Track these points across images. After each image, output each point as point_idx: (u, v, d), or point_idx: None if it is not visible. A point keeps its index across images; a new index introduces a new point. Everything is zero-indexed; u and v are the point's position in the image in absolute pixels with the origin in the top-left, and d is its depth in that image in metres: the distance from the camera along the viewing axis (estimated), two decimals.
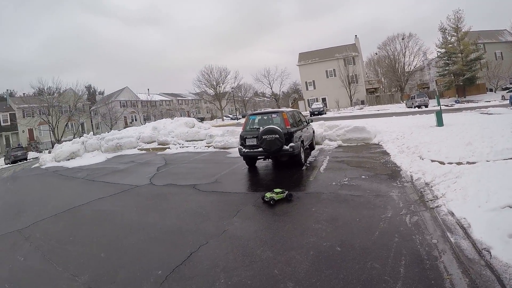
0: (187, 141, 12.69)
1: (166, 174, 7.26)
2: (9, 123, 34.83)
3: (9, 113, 35.00)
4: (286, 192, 4.18)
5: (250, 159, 6.42)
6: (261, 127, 5.83)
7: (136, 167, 9.00)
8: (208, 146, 10.59)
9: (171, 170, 7.60)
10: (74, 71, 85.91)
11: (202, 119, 37.52)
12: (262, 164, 6.90)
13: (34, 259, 3.74)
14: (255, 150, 5.89)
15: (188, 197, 4.94)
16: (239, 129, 7.74)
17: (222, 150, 9.67)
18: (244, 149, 6.09)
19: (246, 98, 56.12)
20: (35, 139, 35.83)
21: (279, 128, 5.55)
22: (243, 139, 6.15)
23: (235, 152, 8.12)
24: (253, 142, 5.89)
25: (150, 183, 6.41)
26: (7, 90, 43.68)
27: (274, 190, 4.21)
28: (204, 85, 44.94)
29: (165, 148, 11.83)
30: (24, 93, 37.56)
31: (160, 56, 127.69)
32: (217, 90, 44.47)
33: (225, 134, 10.58)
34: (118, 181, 7.24)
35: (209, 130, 13.00)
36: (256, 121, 6.48)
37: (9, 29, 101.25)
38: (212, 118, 51.45)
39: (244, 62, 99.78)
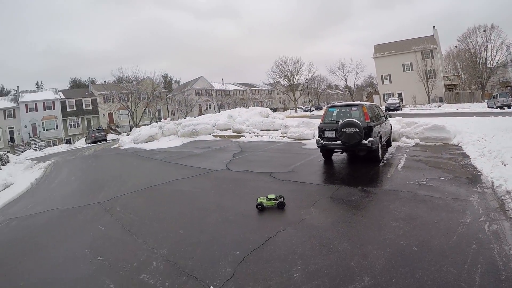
0: (261, 130, 19.08)
1: (242, 161, 10.86)
2: (90, 108, 59.38)
3: (91, 99, 60.00)
4: (279, 200, 5.96)
5: (327, 152, 9.70)
6: (340, 120, 8.88)
7: (212, 153, 13.70)
8: (283, 136, 15.71)
9: (247, 157, 11.29)
10: (151, 62, 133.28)
11: (275, 110, 57.06)
12: (338, 157, 9.99)
13: (114, 230, 5.83)
14: (333, 142, 9.00)
15: (265, 184, 7.44)
16: (314, 121, 12.49)
17: (296, 141, 14.13)
18: (322, 141, 9.25)
19: (320, 90, 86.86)
20: (114, 122, 59.51)
21: (358, 122, 8.32)
22: (321, 131, 9.36)
23: (310, 144, 12.31)
24: (332, 134, 9.00)
25: (226, 168, 9.80)
26: (89, 78, 72.83)
27: (268, 196, 6.08)
28: (278, 76, 67.64)
29: (240, 136, 18.02)
30: (104, 81, 66.63)
31: (233, 46, 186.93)
32: (291, 81, 66.14)
33: (300, 125, 15.61)
34: (195, 164, 11.14)
35: (283, 121, 19.08)
36: (335, 113, 9.85)
37: (90, 23, 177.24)
38: (284, 109, 78.30)
39: (317, 54, 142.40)
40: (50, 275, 4.57)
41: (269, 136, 16.71)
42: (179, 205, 6.82)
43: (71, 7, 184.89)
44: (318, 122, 13.29)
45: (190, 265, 4.00)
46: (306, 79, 68.92)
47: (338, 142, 8.79)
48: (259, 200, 6.02)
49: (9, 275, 4.82)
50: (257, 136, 17.48)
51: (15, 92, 63.45)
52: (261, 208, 5.90)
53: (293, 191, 6.72)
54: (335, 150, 9.48)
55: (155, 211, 6.62)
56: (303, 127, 15.66)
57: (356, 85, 77.70)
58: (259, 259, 3.92)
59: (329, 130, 9.15)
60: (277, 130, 18.31)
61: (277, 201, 5.94)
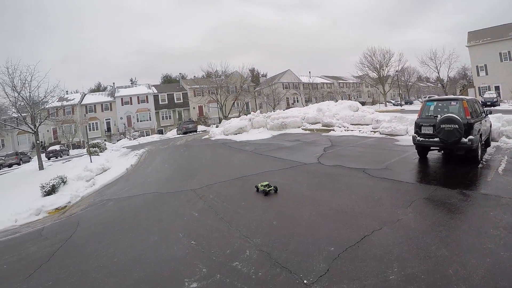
0: (352, 124, 19.02)
1: (334, 155, 10.97)
2: (181, 101, 63.97)
3: (182, 93, 64.63)
4: (269, 188, 7.16)
5: (423, 149, 9.43)
6: (438, 115, 8.61)
7: (302, 146, 13.89)
8: (374, 132, 15.48)
9: (338, 152, 11.42)
10: (236, 56, 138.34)
11: (363, 103, 51.30)
12: (433, 155, 9.75)
13: (208, 216, 6.05)
14: (430, 139, 8.73)
15: (358, 180, 7.44)
16: (407, 116, 13.28)
17: (388, 136, 13.90)
18: (418, 138, 9.02)
19: (410, 83, 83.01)
20: (204, 114, 62.57)
21: (458, 118, 8.03)
22: (418, 126, 9.13)
23: (403, 140, 12.36)
24: (429, 130, 8.74)
25: (318, 162, 9.89)
26: (180, 73, 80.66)
27: (262, 183, 7.36)
28: (366, 68, 65.64)
29: (329, 130, 18.00)
30: (194, 76, 71.47)
31: (318, 38, 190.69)
32: (380, 74, 63.84)
33: (393, 120, 15.48)
34: (285, 157, 11.39)
35: (374, 115, 18.76)
36: (432, 108, 9.53)
37: (176, 22, 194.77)
38: (373, 103, 76.53)
39: (406, 43, 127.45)
40: (143, 254, 4.85)
41: (359, 130, 16.51)
42: (272, 196, 6.93)
43: (159, 8, 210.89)
44: (411, 117, 13.69)
45: (284, 257, 4.05)
46: (396, 71, 66.38)
47: (436, 139, 8.47)
48: (261, 188, 7.22)
49: (105, 251, 5.24)
50: (347, 130, 17.35)
51: (111, 87, 72.39)
52: (256, 190, 7.29)
53: (389, 189, 6.62)
54: (431, 147, 9.15)
55: (248, 201, 6.76)
56: (396, 122, 15.17)
57: (449, 77, 71.19)
58: (355, 257, 3.88)
59: (427, 126, 8.86)
60: (367, 124, 17.98)
61: (269, 188, 7.15)
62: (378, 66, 63.44)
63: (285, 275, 3.62)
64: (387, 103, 65.08)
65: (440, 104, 9.50)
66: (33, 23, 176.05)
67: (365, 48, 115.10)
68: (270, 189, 7.18)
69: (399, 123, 14.82)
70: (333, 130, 17.77)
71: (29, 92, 20.08)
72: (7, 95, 19.88)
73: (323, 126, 19.75)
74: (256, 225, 5.31)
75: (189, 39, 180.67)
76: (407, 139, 11.75)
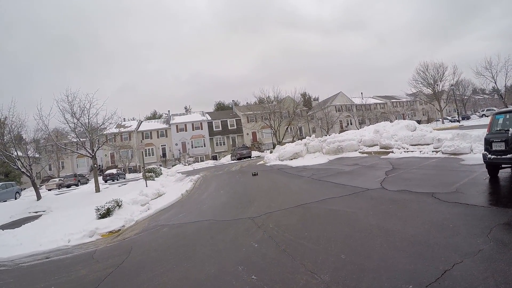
0: (411, 145, 18.15)
1: (397, 179, 10.35)
2: (235, 127, 66.87)
3: (235, 119, 67.54)
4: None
5: (494, 168, 8.76)
6: (510, 129, 8.00)
7: (361, 170, 13.27)
8: (436, 151, 14.97)
9: (401, 175, 10.82)
10: (287, 82, 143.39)
11: (418, 122, 52.84)
12: (504, 174, 8.97)
13: (268, 247, 5.61)
14: (502, 156, 8.04)
15: (428, 206, 6.86)
16: (470, 132, 13.13)
17: (452, 156, 13.32)
18: (489, 155, 8.37)
19: (465, 97, 78.84)
20: (257, 140, 65.02)
21: None
22: (488, 143, 8.50)
23: (469, 159, 11.69)
24: (501, 146, 8.09)
25: (381, 187, 9.32)
26: (232, 100, 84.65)
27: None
28: (420, 84, 64.63)
29: (388, 152, 17.34)
30: (247, 102, 74.74)
31: (366, 58, 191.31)
32: (435, 89, 62.52)
33: (455, 138, 14.55)
34: (345, 182, 10.88)
35: (435, 134, 18.20)
36: (502, 121, 8.74)
37: (226, 52, 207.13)
38: (428, 121, 75.16)
39: (456, 55, 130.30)
40: (198, 286, 4.55)
41: (420, 151, 15.72)
42: (336, 226, 6.46)
43: (208, 41, 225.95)
44: (474, 133, 13.47)
45: None
46: (451, 85, 62.96)
47: (509, 155, 7.80)
48: None
49: (158, 281, 4.99)
50: (407, 151, 16.58)
51: (166, 115, 76.99)
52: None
53: (463, 215, 6.06)
54: (502, 165, 8.53)
55: (310, 231, 6.27)
56: (458, 139, 14.19)
57: (505, 86, 65.94)
58: None
59: (498, 141, 8.24)
60: (428, 144, 17.06)
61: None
62: (432, 81, 62.14)
63: None
64: (443, 120, 62.79)
65: (509, 117, 8.70)
66: (92, 56, 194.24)
67: (414, 64, 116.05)
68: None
69: (462, 141, 13.92)
70: (392, 152, 17.13)
71: (88, 119, 21.33)
72: (67, 121, 21.14)
73: (381, 148, 19.03)
74: (322, 258, 4.81)
75: (239, 67, 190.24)
76: (473, 158, 11.23)
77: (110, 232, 9.90)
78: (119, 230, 10.07)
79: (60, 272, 6.58)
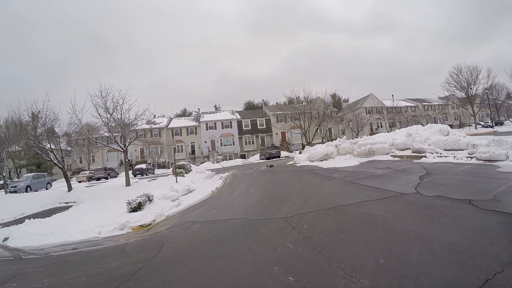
0: (444, 150, 17.99)
1: (432, 184, 10.08)
2: (264, 127, 68.34)
3: (265, 119, 68.99)
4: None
5: None
6: None
7: (394, 174, 13.02)
8: (470, 157, 14.73)
9: (436, 181, 10.54)
10: (315, 83, 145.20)
11: (450, 126, 48.74)
12: None
13: (304, 249, 5.49)
14: None
15: (466, 213, 6.69)
16: (506, 139, 12.98)
17: (487, 162, 13.00)
18: None
19: (499, 102, 77.69)
20: (286, 140, 66.16)
21: None
22: None
23: (505, 166, 11.37)
24: None
25: (416, 192, 9.09)
26: (262, 100, 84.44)
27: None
28: (453, 88, 63.68)
29: (421, 157, 17.01)
30: (276, 102, 75.64)
31: (395, 61, 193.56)
32: (468, 93, 61.28)
33: (490, 144, 14.31)
34: (378, 186, 10.67)
35: (469, 139, 17.79)
36: None
37: (253, 54, 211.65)
38: (460, 126, 75.10)
39: (486, 58, 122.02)
40: (233, 287, 4.45)
41: (454, 157, 15.31)
42: (372, 229, 6.27)
43: (236, 43, 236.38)
44: (510, 139, 13.19)
45: None
46: (485, 89, 61.73)
47: None
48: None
49: (191, 278, 4.95)
50: (440, 156, 16.20)
51: (196, 113, 79.02)
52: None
53: (503, 224, 5.83)
54: None
55: (346, 234, 6.12)
56: (494, 146, 13.86)
57: None
58: None
59: None
60: (462, 150, 16.71)
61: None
62: (465, 85, 61.31)
63: None
64: (476, 125, 61.61)
65: None
66: (123, 55, 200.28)
67: (444, 67, 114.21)
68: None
69: (498, 147, 13.57)
70: (425, 156, 16.78)
71: (121, 114, 21.82)
72: (100, 116, 21.70)
73: (413, 152, 18.70)
74: (360, 263, 4.67)
75: (267, 68, 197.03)
76: (509, 165, 10.93)
77: (141, 226, 10.01)
78: (150, 224, 10.17)
79: (90, 263, 6.66)
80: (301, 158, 24.37)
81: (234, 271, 4.94)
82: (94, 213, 12.94)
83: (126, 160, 23.35)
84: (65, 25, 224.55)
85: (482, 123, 66.03)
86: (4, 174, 29.74)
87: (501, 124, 60.80)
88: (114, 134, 23.02)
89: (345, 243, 5.60)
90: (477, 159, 13.63)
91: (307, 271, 4.60)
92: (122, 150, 22.33)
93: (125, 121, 22.23)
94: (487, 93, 61.15)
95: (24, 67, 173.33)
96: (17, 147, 40.23)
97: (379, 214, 7.24)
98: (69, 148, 38.73)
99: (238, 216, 9.06)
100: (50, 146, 22.82)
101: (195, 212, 10.97)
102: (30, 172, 36.80)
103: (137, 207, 11.28)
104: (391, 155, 19.67)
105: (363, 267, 4.48)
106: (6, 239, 10.30)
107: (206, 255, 5.94)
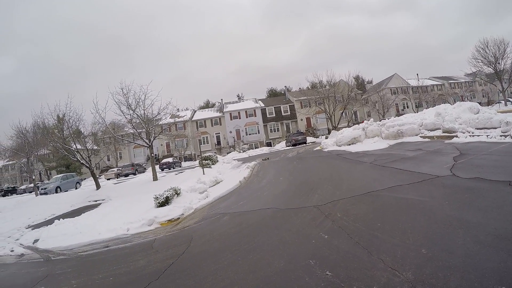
0: (476, 129, 17.40)
1: (467, 165, 9.75)
2: (288, 113, 67.86)
3: (289, 105, 68.49)
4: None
5: None
6: None
7: (426, 156, 12.66)
8: (505, 136, 13.86)
9: (471, 162, 10.20)
10: (336, 67, 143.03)
11: (479, 104, 44.60)
12: None
13: (340, 239, 5.24)
14: None
15: (508, 196, 6.30)
16: None
17: None
18: None
19: None
20: (312, 126, 65.99)
21: None
22: None
23: None
24: None
25: (452, 175, 8.76)
26: (285, 86, 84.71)
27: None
28: (481, 63, 59.64)
29: (452, 137, 16.53)
30: (300, 88, 75.40)
31: (416, 38, 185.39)
32: (496, 68, 57.65)
33: None
34: (411, 168, 10.27)
35: (501, 116, 17.13)
36: None
37: (272, 42, 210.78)
38: (489, 103, 70.93)
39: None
40: (269, 283, 4.24)
41: (487, 135, 14.71)
42: (410, 216, 5.95)
43: (254, 32, 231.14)
44: None
45: None
46: None
47: None
48: None
49: (222, 275, 4.80)
50: (472, 136, 15.65)
51: (219, 104, 79.15)
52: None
53: None
54: None
55: (384, 222, 5.82)
56: None
57: None
58: None
59: None
60: (495, 128, 16.06)
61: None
62: (493, 59, 57.73)
63: None
64: (506, 102, 58.62)
65: None
66: (142, 53, 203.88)
67: (468, 42, 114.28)
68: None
69: None
70: (456, 136, 16.29)
71: (143, 110, 21.96)
72: (123, 113, 22.01)
73: (443, 132, 18.22)
74: (402, 253, 4.38)
75: (286, 56, 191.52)
76: None
77: (169, 220, 9.97)
78: (178, 218, 10.12)
79: (118, 262, 6.61)
80: (328, 143, 24.12)
81: (267, 266, 4.74)
82: (122, 209, 13.04)
83: (152, 155, 23.58)
84: (83, 32, 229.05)
85: (511, 99, 63.51)
86: (34, 177, 30.58)
87: None
88: (138, 130, 23.22)
89: (383, 232, 5.34)
90: None
91: (345, 265, 4.36)
92: (148, 145, 22.51)
93: (149, 116, 22.32)
94: None
95: (45, 77, 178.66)
96: (45, 150, 41.22)
97: (415, 199, 6.94)
98: (95, 147, 39.49)
99: (268, 206, 8.89)
100: (76, 146, 23.23)
101: (223, 204, 10.88)
102: (60, 173, 37.73)
103: (164, 202, 11.26)
104: (420, 136, 19.26)
105: (404, 259, 4.22)
106: (36, 240, 10.44)
107: (237, 249, 5.78)
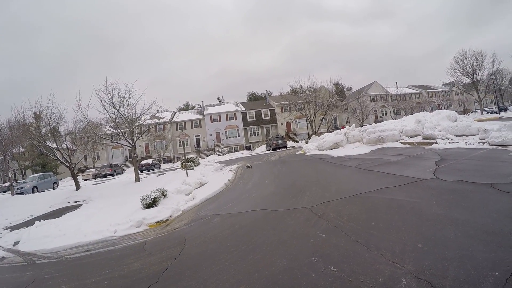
0: (455, 136, 18.28)
1: (449, 169, 10.22)
2: (269, 117, 67.87)
3: (269, 109, 68.45)
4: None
5: None
6: None
7: (409, 160, 13.15)
8: (483, 142, 14.95)
9: (453, 166, 10.72)
10: (316, 73, 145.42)
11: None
12: None
13: (338, 238, 5.37)
14: None
15: (490, 196, 6.80)
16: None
17: (499, 147, 13.26)
18: None
19: (503, 87, 79.63)
20: (292, 130, 67.18)
21: None
22: None
23: None
24: None
25: (435, 177, 9.17)
26: (266, 90, 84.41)
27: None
28: (459, 73, 63.96)
29: (432, 143, 17.26)
30: (280, 92, 74.89)
31: (396, 48, 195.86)
32: (474, 78, 61.41)
33: (502, 129, 14.61)
34: (396, 172, 10.72)
35: (480, 124, 18.25)
36: None
37: (254, 46, 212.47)
38: (464, 112, 75.35)
39: (487, 42, 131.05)
40: (276, 281, 4.29)
41: (465, 142, 15.60)
42: (402, 215, 6.26)
43: (235, 36, 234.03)
44: None
45: (448, 285, 3.63)
46: (491, 74, 62.09)
47: None
48: None
49: (226, 275, 4.81)
50: (452, 142, 16.44)
51: (199, 106, 78.75)
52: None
53: None
54: None
55: (377, 221, 6.07)
56: (506, 130, 14.19)
57: None
58: None
59: None
60: (473, 135, 16.99)
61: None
62: (471, 70, 61.38)
63: None
64: (482, 111, 61.86)
65: None
66: (122, 54, 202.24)
67: (446, 52, 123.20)
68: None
69: (510, 132, 13.88)
70: (436, 142, 17.01)
71: (127, 109, 21.66)
72: (107, 112, 21.60)
73: (423, 138, 18.89)
74: (400, 248, 4.66)
75: (268, 60, 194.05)
76: None
77: (158, 222, 9.89)
78: (167, 220, 10.06)
79: (110, 265, 6.43)
80: (310, 148, 24.54)
81: (270, 265, 4.80)
82: (106, 211, 12.83)
83: (135, 155, 23.28)
84: (68, 27, 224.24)
85: (486, 109, 67.04)
86: (10, 176, 29.70)
87: (506, 109, 60.83)
88: (122, 130, 22.90)
89: (378, 230, 5.56)
90: (489, 144, 13.93)
91: (348, 260, 4.52)
92: (130, 146, 22.21)
93: (132, 116, 22.08)
94: (492, 78, 61.66)
95: (29, 71, 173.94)
96: (21, 148, 40.15)
97: (404, 200, 7.23)
98: (73, 147, 38.68)
99: (258, 207, 8.94)
100: (57, 145, 22.71)
101: (212, 206, 10.86)
102: (36, 173, 36.76)
103: (152, 203, 11.14)
104: (401, 142, 19.81)
105: (403, 253, 4.49)
106: (16, 243, 10.05)
107: (235, 249, 5.80)
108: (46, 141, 22.30)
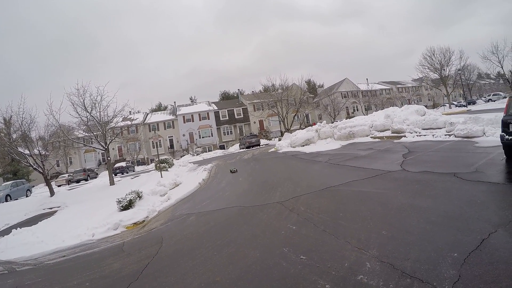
0: (423, 129, 18.82)
1: (415, 161, 10.65)
2: (242, 116, 67.49)
3: (242, 108, 68.26)
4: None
5: (510, 149, 8.95)
6: None
7: (378, 154, 13.60)
8: (449, 135, 15.51)
9: (419, 158, 11.18)
10: (288, 72, 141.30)
11: (425, 107, 50.19)
12: None
13: (307, 229, 5.63)
14: None
15: (453, 185, 7.19)
16: (482, 116, 14.36)
17: (465, 139, 13.74)
18: (507, 136, 8.64)
19: (471, 82, 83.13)
20: (265, 128, 66.77)
21: None
22: (505, 125, 8.81)
23: (482, 142, 12.08)
24: None
25: (402, 169, 9.58)
26: (238, 89, 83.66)
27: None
28: (427, 69, 65.63)
29: (401, 137, 17.87)
30: (252, 91, 76.13)
31: (368, 46, 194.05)
32: (442, 74, 63.27)
33: (468, 122, 15.33)
34: (365, 166, 11.13)
35: (446, 118, 18.95)
36: None
37: (225, 46, 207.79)
38: (434, 106, 77.17)
39: (457, 41, 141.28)
40: (249, 271, 4.51)
41: (433, 135, 16.18)
42: (368, 206, 6.58)
43: (206, 35, 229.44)
44: (486, 116, 14.43)
45: (409, 267, 3.88)
46: (458, 70, 64.93)
47: None
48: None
49: (202, 269, 4.96)
50: (420, 135, 17.06)
51: (172, 106, 77.63)
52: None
53: (488, 192, 6.42)
54: None
55: (345, 212, 6.38)
56: (471, 123, 14.87)
57: (510, 71, 68.08)
58: (481, 261, 3.80)
59: None
60: (440, 128, 17.59)
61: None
62: (439, 66, 63.24)
63: (418, 284, 3.50)
64: (450, 105, 63.87)
65: None
66: (90, 56, 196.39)
67: (416, 50, 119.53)
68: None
69: (475, 124, 14.50)
70: (404, 136, 17.56)
71: (99, 112, 21.32)
72: (79, 115, 21.16)
73: (392, 133, 19.52)
74: (365, 236, 4.98)
75: (239, 60, 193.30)
76: (486, 140, 11.67)
77: (135, 223, 9.93)
78: (143, 221, 10.11)
79: (91, 267, 6.45)
80: (283, 145, 24.71)
81: (244, 257, 5.00)
82: (83, 215, 12.70)
83: (108, 158, 22.99)
84: (28, 31, 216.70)
85: (455, 102, 68.80)
86: None
87: (474, 103, 62.68)
88: (94, 133, 22.54)
89: (346, 220, 5.84)
90: (455, 136, 14.34)
91: (316, 249, 4.77)
92: (104, 149, 21.92)
93: (105, 118, 21.76)
94: (459, 73, 63.76)
95: None
96: None
97: (371, 191, 7.54)
98: (45, 152, 37.63)
99: (232, 204, 9.13)
100: (30, 151, 22.15)
101: (187, 205, 10.97)
102: (7, 181, 35.56)
103: (128, 205, 11.15)
104: (371, 137, 20.31)
105: (368, 240, 4.78)
106: None
107: (211, 245, 5.97)
108: (18, 147, 21.72)
